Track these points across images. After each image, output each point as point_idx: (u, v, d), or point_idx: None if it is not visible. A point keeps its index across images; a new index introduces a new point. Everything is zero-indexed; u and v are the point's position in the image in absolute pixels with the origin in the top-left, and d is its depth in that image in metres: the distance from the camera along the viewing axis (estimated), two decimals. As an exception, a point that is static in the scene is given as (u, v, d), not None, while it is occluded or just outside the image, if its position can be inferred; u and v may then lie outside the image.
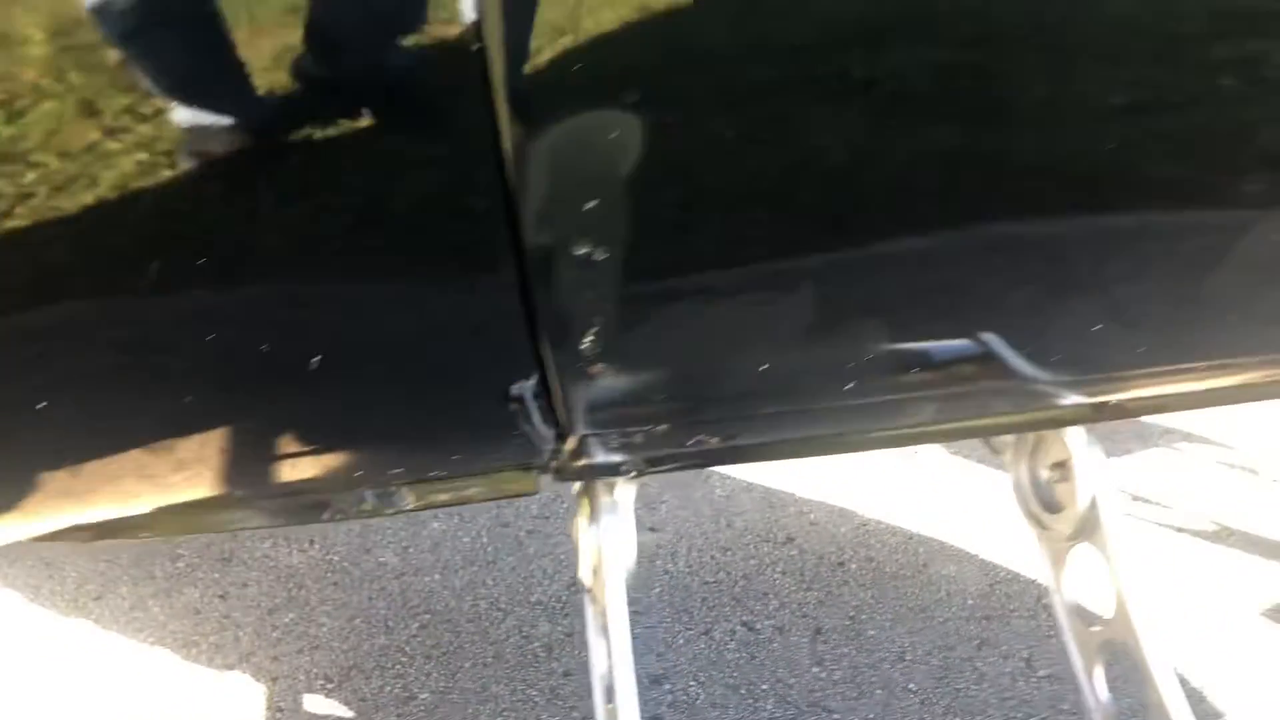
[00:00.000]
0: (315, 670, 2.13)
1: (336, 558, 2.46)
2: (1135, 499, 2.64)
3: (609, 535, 1.01)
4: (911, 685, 2.10)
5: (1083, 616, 1.12)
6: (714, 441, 0.85)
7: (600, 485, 0.99)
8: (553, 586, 2.37)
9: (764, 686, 2.09)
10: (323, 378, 0.71)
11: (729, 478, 2.75)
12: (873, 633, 2.23)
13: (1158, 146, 0.78)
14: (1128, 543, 1.06)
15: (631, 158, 0.60)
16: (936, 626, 2.24)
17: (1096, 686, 1.15)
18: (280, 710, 2.04)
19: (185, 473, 0.81)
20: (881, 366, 0.78)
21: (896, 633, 2.22)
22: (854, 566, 2.43)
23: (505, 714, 2.04)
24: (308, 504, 0.85)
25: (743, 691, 2.08)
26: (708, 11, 0.59)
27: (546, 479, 0.91)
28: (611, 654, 1.00)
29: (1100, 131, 0.74)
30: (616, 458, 0.85)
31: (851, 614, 2.28)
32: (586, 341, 0.68)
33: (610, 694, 1.04)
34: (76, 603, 2.31)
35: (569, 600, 2.32)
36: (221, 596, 2.34)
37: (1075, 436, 1.08)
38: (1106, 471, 1.08)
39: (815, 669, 2.14)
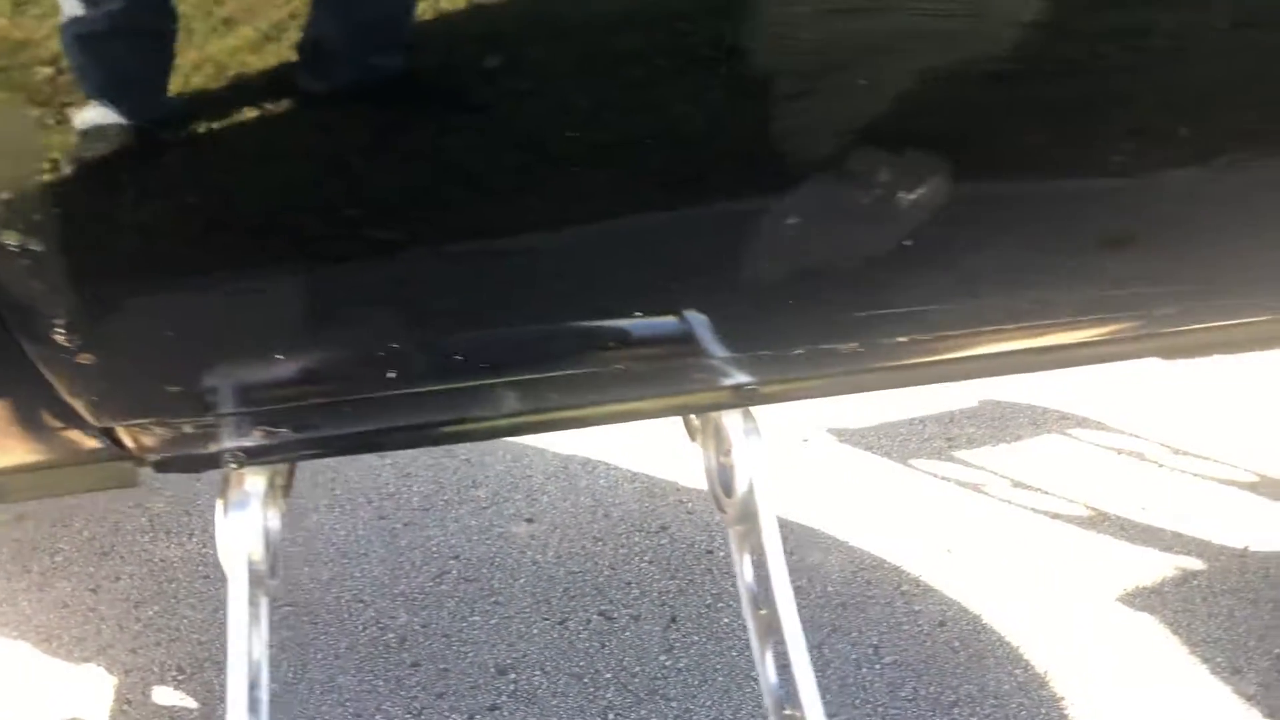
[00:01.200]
0: (170, 662, 2.16)
1: (211, 550, 2.47)
2: (1015, 484, 2.62)
3: (233, 527, 1.02)
4: (754, 673, 2.10)
5: (755, 600, 1.13)
6: (286, 432, 0.86)
7: (232, 477, 1.00)
8: (418, 578, 2.38)
9: (607, 675, 2.10)
10: None
11: (615, 468, 2.76)
12: (727, 620, 2.23)
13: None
14: (775, 528, 1.06)
15: (32, 151, 0.61)
16: (791, 614, 2.23)
17: (768, 668, 1.15)
18: (128, 703, 2.08)
19: None
20: (431, 356, 0.79)
21: (751, 621, 2.22)
22: (721, 555, 2.42)
23: (348, 704, 2.06)
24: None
25: (586, 680, 2.09)
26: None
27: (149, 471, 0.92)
28: (227, 649, 1.01)
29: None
30: (196, 449, 0.86)
31: (709, 602, 2.28)
32: (58, 333, 0.69)
33: (254, 684, 1.05)
34: (-51, 598, 2.35)
35: (432, 591, 2.34)
36: (93, 590, 2.37)
37: (734, 422, 1.08)
38: (763, 458, 1.08)
39: (663, 657, 2.14)
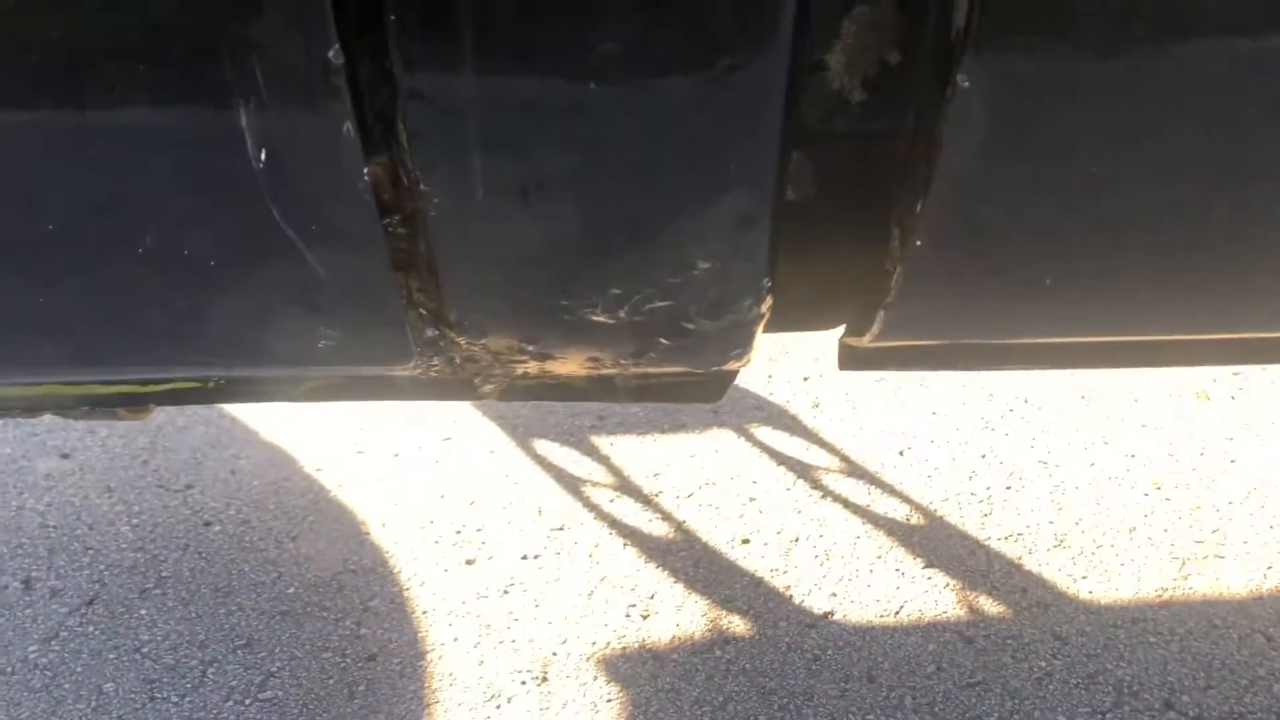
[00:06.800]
0: None
1: None
2: None
3: None
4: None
5: None
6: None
7: None
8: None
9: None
10: None
11: (243, 434, 2.53)
12: (155, 593, 2.01)
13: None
14: None
15: None
16: None
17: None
18: None
19: None
20: None
21: None
22: (219, 529, 2.19)
23: None
24: None
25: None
26: None
27: None
28: None
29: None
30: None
31: (139, 589, 2.07)
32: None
33: None
34: None
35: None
36: None
37: None
38: None
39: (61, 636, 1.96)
